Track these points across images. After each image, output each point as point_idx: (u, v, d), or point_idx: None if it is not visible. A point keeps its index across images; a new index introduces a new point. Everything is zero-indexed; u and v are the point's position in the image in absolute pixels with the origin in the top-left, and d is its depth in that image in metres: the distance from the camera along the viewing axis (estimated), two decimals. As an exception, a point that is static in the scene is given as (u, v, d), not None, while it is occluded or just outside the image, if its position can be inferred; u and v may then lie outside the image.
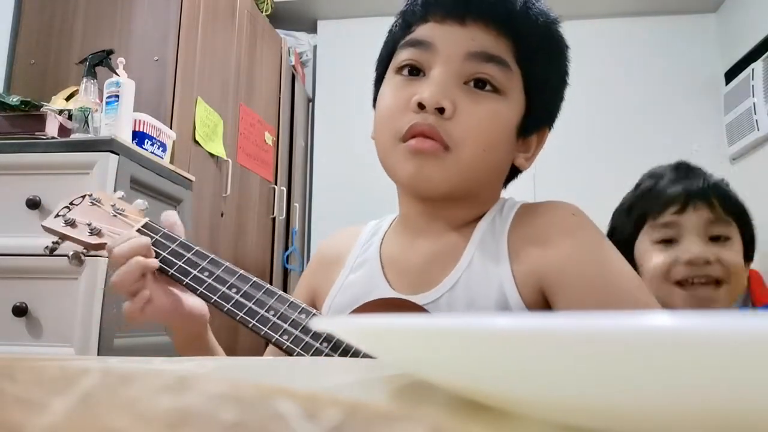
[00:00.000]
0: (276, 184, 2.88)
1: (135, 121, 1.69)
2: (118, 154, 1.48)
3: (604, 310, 0.52)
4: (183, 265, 0.60)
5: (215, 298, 0.57)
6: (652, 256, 0.93)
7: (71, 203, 0.67)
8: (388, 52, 0.65)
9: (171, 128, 1.91)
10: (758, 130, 2.65)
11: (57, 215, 0.65)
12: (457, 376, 0.17)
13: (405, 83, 0.60)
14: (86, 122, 1.56)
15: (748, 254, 0.95)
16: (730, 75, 2.99)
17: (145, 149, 1.68)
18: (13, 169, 1.48)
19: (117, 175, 1.46)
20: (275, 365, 0.32)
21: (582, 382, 0.13)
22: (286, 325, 0.55)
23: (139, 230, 0.63)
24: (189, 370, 0.26)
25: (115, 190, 1.42)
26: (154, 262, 0.59)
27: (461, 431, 0.14)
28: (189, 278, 0.59)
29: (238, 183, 2.47)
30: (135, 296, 0.59)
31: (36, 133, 1.52)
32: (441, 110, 0.56)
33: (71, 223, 0.64)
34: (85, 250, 0.64)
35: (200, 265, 0.60)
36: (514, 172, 0.68)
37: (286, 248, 2.98)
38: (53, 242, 0.65)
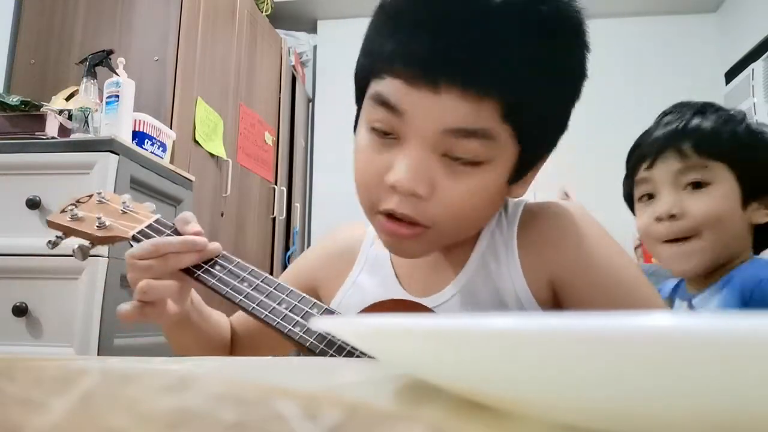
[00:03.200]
0: (276, 184, 2.88)
1: (135, 121, 1.69)
2: (118, 154, 1.48)
3: (608, 309, 0.55)
4: None
5: (228, 290, 0.58)
6: (638, 215, 0.88)
7: (78, 201, 0.67)
8: (363, 74, 0.56)
9: (171, 128, 1.91)
10: (758, 130, 2.65)
11: (63, 211, 0.66)
12: (457, 377, 0.17)
13: (379, 145, 0.53)
14: (86, 122, 1.56)
15: (752, 194, 0.81)
16: (730, 75, 2.99)
17: (145, 149, 1.68)
18: (13, 169, 1.48)
19: (117, 175, 1.46)
20: (275, 365, 0.32)
21: (581, 383, 0.13)
22: (298, 318, 0.55)
23: (149, 225, 0.64)
24: (189, 370, 0.26)
25: (115, 190, 1.43)
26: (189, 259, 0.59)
27: (461, 431, 0.14)
28: (200, 271, 0.60)
29: (238, 183, 2.47)
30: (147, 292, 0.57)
31: (36, 133, 1.52)
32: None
33: (77, 218, 0.64)
34: (90, 244, 0.64)
35: (212, 259, 0.61)
36: None
37: (287, 248, 2.98)
38: (56, 236, 0.65)
